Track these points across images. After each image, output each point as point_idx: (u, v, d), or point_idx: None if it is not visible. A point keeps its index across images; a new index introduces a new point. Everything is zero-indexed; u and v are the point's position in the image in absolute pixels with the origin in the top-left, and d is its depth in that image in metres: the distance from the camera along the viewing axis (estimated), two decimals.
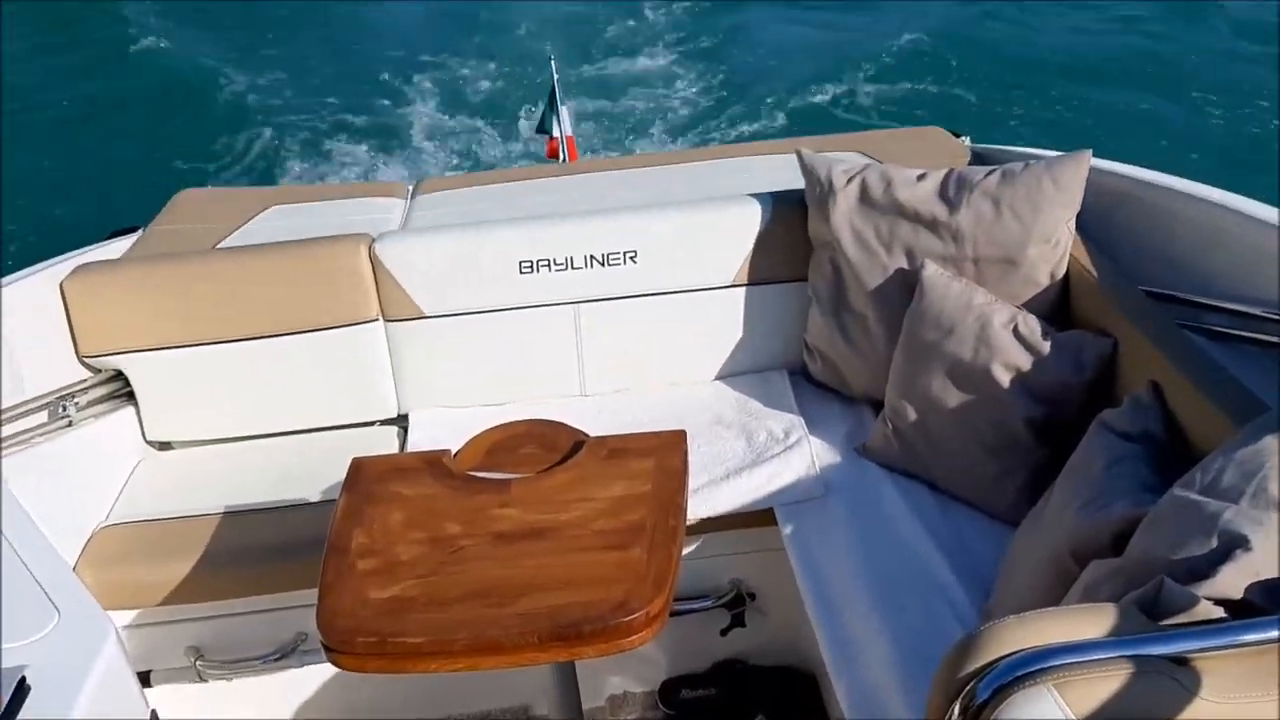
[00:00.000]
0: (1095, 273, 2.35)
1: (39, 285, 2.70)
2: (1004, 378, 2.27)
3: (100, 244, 3.05)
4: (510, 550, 1.80)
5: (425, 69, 8.81)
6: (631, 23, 9.53)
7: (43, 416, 2.61)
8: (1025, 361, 2.26)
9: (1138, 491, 1.74)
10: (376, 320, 2.78)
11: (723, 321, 2.84)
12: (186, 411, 2.84)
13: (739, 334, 2.85)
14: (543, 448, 2.08)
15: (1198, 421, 1.88)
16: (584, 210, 2.84)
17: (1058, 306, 2.40)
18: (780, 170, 3.10)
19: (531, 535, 1.83)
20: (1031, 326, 2.29)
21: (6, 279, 2.67)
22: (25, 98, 8.45)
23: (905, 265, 2.52)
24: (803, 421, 2.67)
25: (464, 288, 2.76)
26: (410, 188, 3.47)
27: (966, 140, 3.39)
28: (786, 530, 2.39)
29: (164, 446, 2.91)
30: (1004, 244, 2.40)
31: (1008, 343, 2.28)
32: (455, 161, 6.93)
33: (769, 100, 7.76)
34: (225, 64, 8.77)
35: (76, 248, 2.94)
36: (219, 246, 2.96)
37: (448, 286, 2.76)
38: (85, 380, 2.77)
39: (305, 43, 9.52)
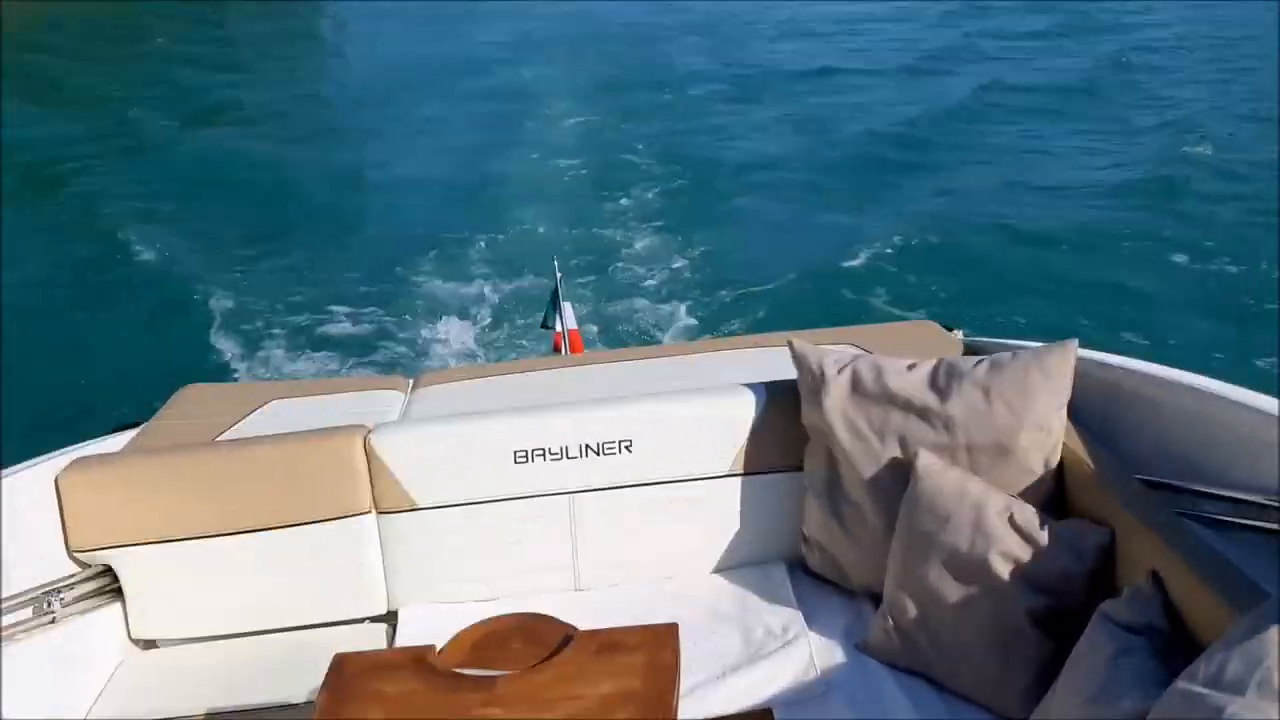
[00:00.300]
0: (1090, 461, 2.35)
1: (36, 479, 2.70)
2: (1003, 568, 2.23)
3: (101, 438, 3.06)
4: None
5: (430, 263, 9.11)
6: (631, 223, 9.89)
7: (27, 612, 2.57)
8: (1023, 551, 2.22)
9: (1143, 685, 1.68)
10: (369, 513, 2.76)
11: (719, 511, 2.81)
12: (173, 608, 2.78)
13: (736, 525, 2.82)
14: (530, 643, 2.03)
15: (1199, 610, 1.83)
16: (579, 400, 2.86)
17: (1053, 494, 2.38)
18: (774, 362, 3.13)
19: None
20: (1027, 515, 2.26)
21: (5, 471, 2.68)
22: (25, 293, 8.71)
23: (899, 454, 2.51)
24: (801, 616, 2.60)
25: (458, 478, 2.75)
26: (410, 381, 3.52)
27: (959, 333, 3.44)
28: None
29: (148, 645, 2.84)
30: (996, 432, 2.40)
31: (1004, 532, 2.25)
32: (456, 357, 7.07)
33: (763, 293, 7.97)
34: (224, 260, 9.08)
35: (74, 442, 2.96)
36: (218, 440, 2.97)
37: (442, 477, 2.75)
38: (73, 575, 2.73)
39: (305, 244, 9.88)
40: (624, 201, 10.65)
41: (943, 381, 2.49)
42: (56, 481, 2.71)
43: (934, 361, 2.56)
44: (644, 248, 9.17)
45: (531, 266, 8.52)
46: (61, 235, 10.68)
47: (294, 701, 2.53)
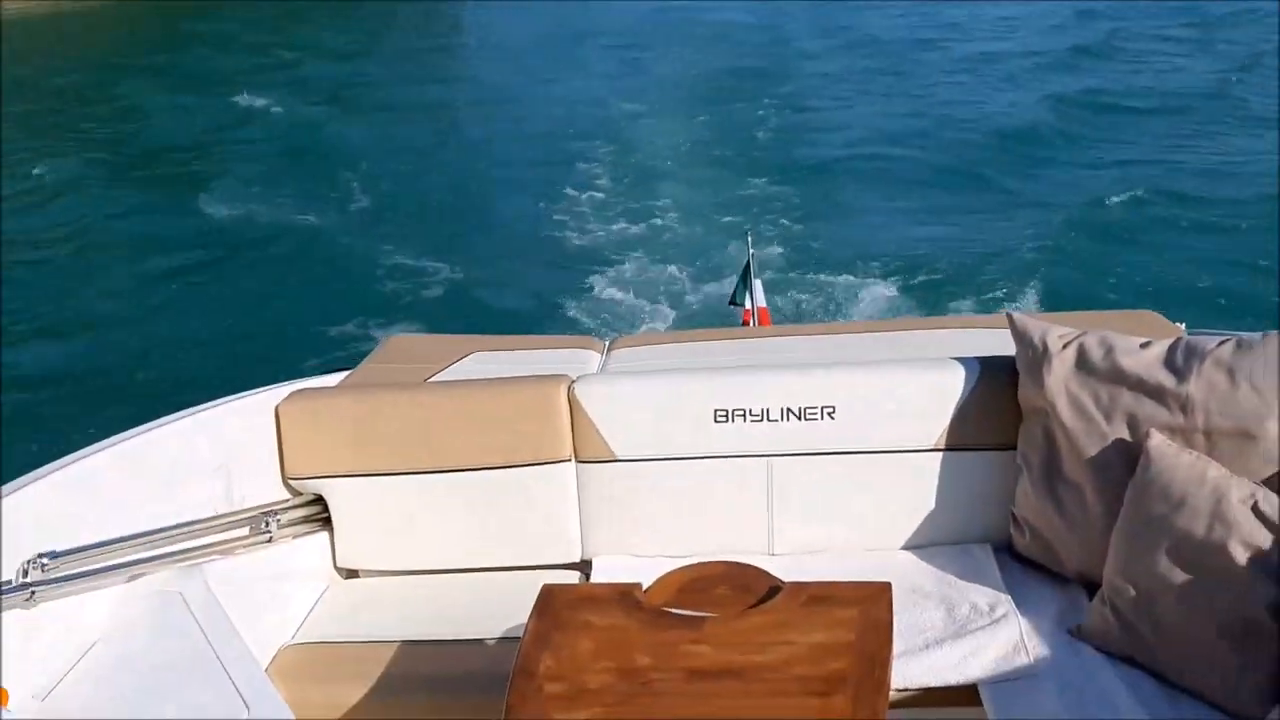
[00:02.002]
0: None
1: (258, 407, 2.85)
2: (1243, 558, 2.07)
3: (318, 376, 3.21)
4: (703, 688, 1.71)
5: (622, 234, 9.24)
6: (830, 196, 9.78)
7: (245, 530, 2.70)
8: (1268, 542, 2.06)
9: None
10: (569, 461, 2.79)
11: (923, 487, 2.72)
12: (376, 540, 2.89)
13: (940, 501, 2.72)
14: (736, 589, 2.00)
15: None
16: (782, 363, 2.82)
17: None
18: (985, 341, 3.02)
19: (726, 675, 1.74)
20: (1274, 504, 2.09)
21: (232, 398, 2.83)
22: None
23: (1127, 436, 2.37)
24: (1009, 598, 2.49)
25: (658, 433, 2.75)
26: (606, 343, 3.55)
27: (1182, 325, 3.24)
28: (991, 713, 2.20)
29: (351, 574, 2.95)
30: (1241, 417, 2.24)
31: (1247, 520, 2.09)
32: (648, 323, 7.13)
33: (969, 287, 7.74)
34: (414, 234, 9.43)
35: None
36: (427, 382, 3.07)
37: (642, 431, 2.76)
38: (288, 501, 2.87)
39: (498, 222, 10.19)
40: (809, 185, 10.57)
41: (1180, 361, 2.34)
42: (277, 411, 2.85)
43: (1171, 339, 2.41)
44: (831, 235, 9.05)
45: (718, 243, 8.53)
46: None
47: (487, 638, 2.58)
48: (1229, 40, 20.67)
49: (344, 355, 3.80)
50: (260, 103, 17.21)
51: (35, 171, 12.81)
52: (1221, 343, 2.33)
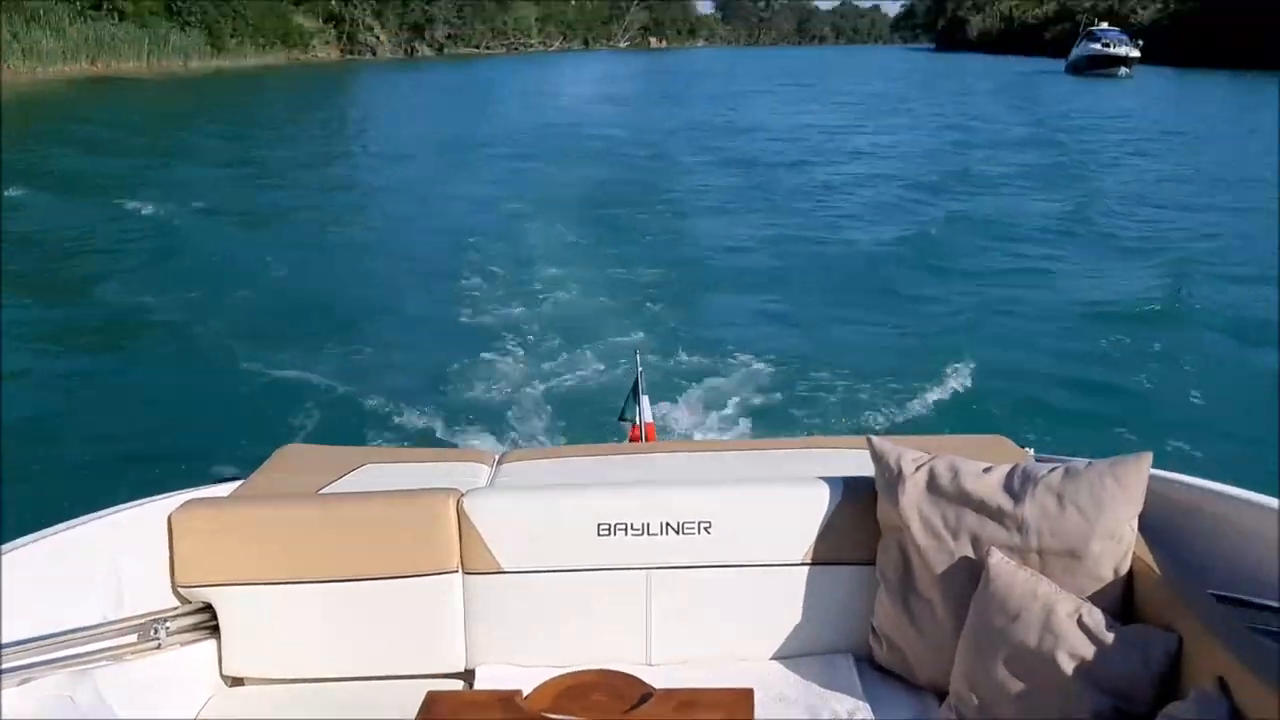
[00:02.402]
0: (1159, 571, 2.41)
1: (151, 516, 2.89)
2: (1069, 667, 2.29)
3: (209, 485, 3.26)
4: None
5: (511, 351, 9.42)
6: (713, 325, 10.18)
7: (135, 637, 2.73)
8: (1091, 653, 2.29)
9: None
10: (456, 572, 2.90)
11: (790, 600, 2.90)
12: (264, 648, 2.93)
13: (806, 614, 2.90)
14: (612, 697, 2.13)
15: (1266, 717, 1.88)
16: (663, 479, 2.99)
17: (1122, 601, 2.45)
18: (847, 461, 3.25)
19: None
20: (1096, 618, 2.33)
21: (125, 506, 2.88)
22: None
23: (971, 553, 2.60)
24: (868, 705, 2.66)
25: (543, 546, 2.88)
26: (496, 456, 3.68)
27: (1030, 451, 3.53)
28: None
29: (237, 682, 2.98)
30: (1067, 537, 2.48)
31: (1073, 633, 2.32)
32: (538, 436, 7.27)
33: (838, 403, 8.11)
34: (308, 348, 9.49)
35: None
36: (318, 494, 3.15)
37: (528, 544, 2.88)
38: (177, 608, 2.90)
39: (380, 329, 10.31)
40: (702, 303, 10.99)
41: (1017, 486, 2.59)
42: (170, 520, 2.90)
43: (1009, 466, 2.66)
44: (713, 347, 9.41)
45: (610, 359, 8.78)
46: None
47: None
48: (1081, 169, 22.42)
49: (239, 461, 3.84)
50: (143, 207, 17.06)
51: None
52: (1052, 469, 2.58)
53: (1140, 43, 75.11)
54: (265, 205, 18.08)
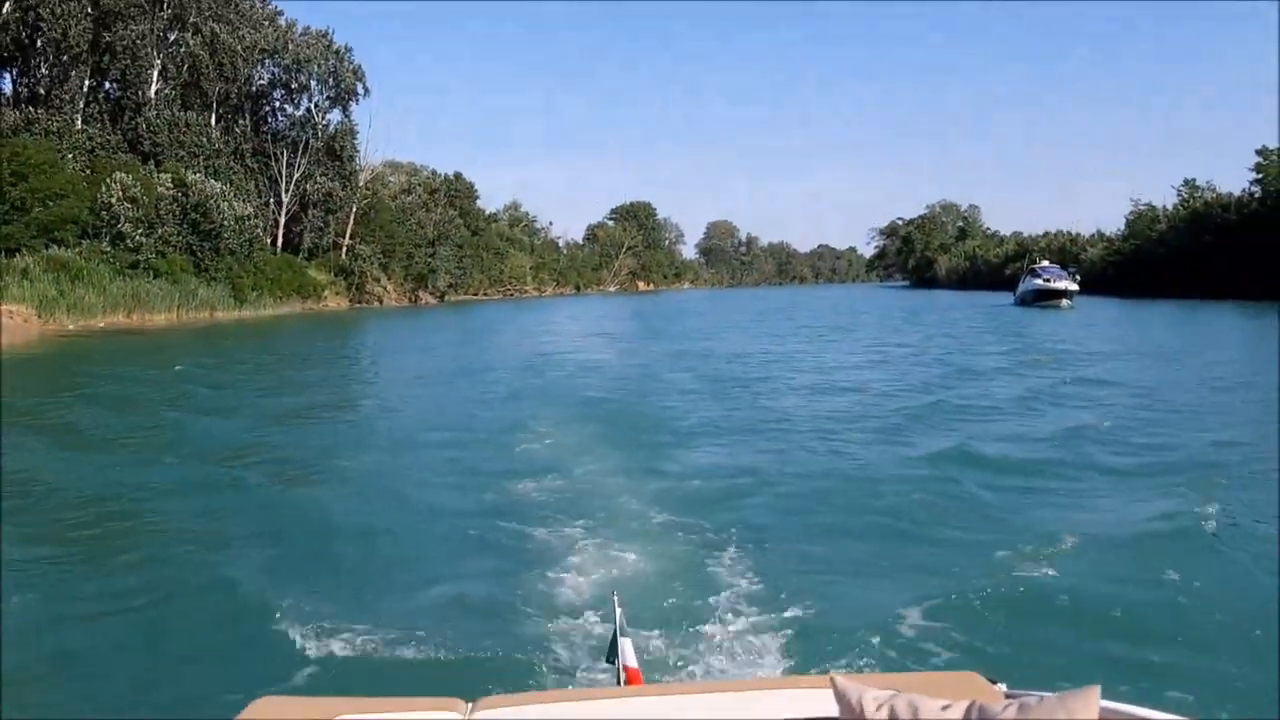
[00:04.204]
0: None
1: None
2: None
3: None
4: None
5: (490, 592, 9.37)
6: (696, 567, 10.17)
7: None
8: None
9: None
10: None
11: None
12: None
13: None
14: None
15: None
16: None
17: None
18: (817, 700, 3.28)
19: None
20: None
21: None
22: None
23: None
24: None
25: None
26: (470, 706, 3.68)
27: (1002, 686, 3.56)
28: None
29: None
30: None
31: None
32: (516, 680, 7.16)
33: (805, 642, 8.06)
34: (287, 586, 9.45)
35: None
36: None
37: None
38: None
39: (361, 573, 10.27)
40: (678, 545, 11.00)
41: None
42: None
43: (968, 702, 2.71)
44: (695, 591, 9.37)
45: (592, 604, 8.75)
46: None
47: None
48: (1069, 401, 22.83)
49: (211, 714, 3.80)
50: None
51: None
52: (1008, 706, 2.64)
53: (1078, 277, 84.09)
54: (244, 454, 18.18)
